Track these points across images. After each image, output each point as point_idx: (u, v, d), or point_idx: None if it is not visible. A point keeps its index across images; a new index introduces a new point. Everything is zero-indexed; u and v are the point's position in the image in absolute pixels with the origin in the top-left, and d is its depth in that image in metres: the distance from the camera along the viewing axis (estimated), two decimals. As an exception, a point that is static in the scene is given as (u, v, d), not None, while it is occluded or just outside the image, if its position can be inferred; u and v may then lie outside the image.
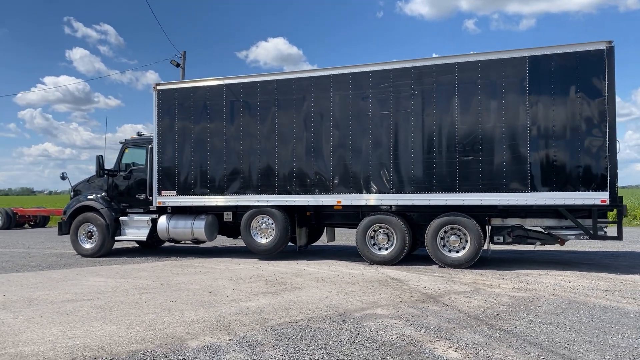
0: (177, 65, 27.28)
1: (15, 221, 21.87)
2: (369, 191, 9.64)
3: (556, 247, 12.30)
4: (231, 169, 10.59)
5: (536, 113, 8.69)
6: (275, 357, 4.27)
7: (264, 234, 10.50)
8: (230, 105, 10.65)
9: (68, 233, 11.84)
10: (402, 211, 9.66)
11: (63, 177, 12.40)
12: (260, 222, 10.52)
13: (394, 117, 9.51)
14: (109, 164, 11.99)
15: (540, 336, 4.80)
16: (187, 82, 11.26)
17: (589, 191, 8.40)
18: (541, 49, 8.76)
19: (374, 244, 9.76)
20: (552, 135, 8.61)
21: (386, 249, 9.62)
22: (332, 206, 9.95)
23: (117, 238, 11.57)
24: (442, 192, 9.19)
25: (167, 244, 13.37)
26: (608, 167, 8.30)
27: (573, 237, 8.79)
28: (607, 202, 8.29)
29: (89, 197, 11.89)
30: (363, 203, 9.73)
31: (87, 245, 11.66)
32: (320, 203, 9.99)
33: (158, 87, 11.19)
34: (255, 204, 10.42)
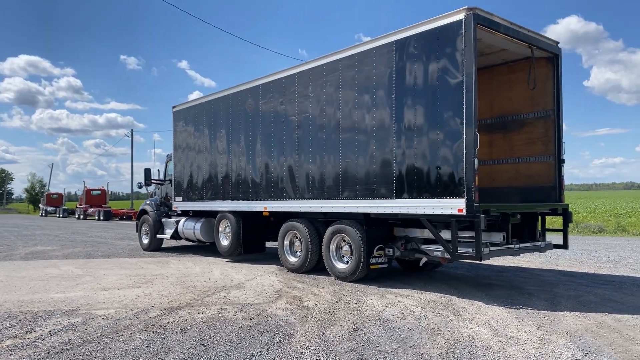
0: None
1: None
2: (283, 197, 9.63)
3: (563, 266, 9.65)
4: (206, 178, 11.83)
5: (401, 107, 7.45)
6: None
7: (227, 236, 11.40)
8: (204, 122, 11.90)
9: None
10: (321, 218, 9.31)
11: (140, 186, 15.60)
12: (225, 226, 11.46)
13: (298, 122, 9.29)
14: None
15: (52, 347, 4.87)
16: (190, 102, 12.87)
17: (446, 198, 6.81)
18: (406, 29, 7.45)
19: (295, 251, 9.67)
20: (413, 132, 7.26)
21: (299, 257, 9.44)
22: (262, 212, 10.24)
23: (158, 236, 14.05)
24: (331, 199, 8.62)
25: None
26: (465, 168, 6.59)
27: (439, 253, 7.15)
28: (464, 212, 6.59)
29: (147, 202, 14.74)
30: (279, 209, 9.75)
31: (145, 241, 14.47)
32: (253, 209, 10.39)
33: (174, 109, 13.21)
34: (218, 209, 11.43)
